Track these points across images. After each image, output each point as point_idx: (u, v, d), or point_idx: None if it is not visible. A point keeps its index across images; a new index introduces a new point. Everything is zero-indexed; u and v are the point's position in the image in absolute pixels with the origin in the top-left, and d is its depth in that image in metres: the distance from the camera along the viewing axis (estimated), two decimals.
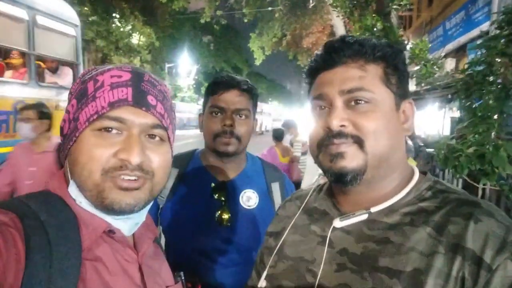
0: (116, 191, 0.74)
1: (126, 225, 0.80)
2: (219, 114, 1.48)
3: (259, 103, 1.66)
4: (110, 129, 0.75)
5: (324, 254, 0.82)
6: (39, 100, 4.59)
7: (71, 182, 0.77)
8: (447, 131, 8.85)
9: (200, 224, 1.46)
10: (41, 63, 5.62)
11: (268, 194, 1.57)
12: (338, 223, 0.83)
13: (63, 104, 5.30)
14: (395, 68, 0.83)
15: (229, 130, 1.46)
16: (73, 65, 6.08)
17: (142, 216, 0.84)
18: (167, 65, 30.54)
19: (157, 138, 0.80)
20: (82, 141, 0.75)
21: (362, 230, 0.80)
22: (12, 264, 0.61)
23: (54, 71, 5.80)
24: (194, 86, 34.67)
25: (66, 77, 5.82)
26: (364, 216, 0.81)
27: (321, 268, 0.81)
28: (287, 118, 8.68)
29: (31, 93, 4.95)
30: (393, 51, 0.83)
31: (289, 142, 6.44)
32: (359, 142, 0.78)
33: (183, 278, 0.95)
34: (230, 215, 1.47)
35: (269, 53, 21.40)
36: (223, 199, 1.48)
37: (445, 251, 0.70)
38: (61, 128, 0.82)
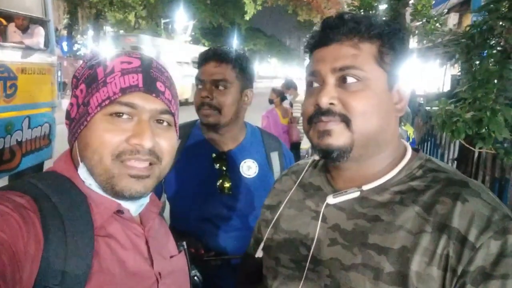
0: (127, 179, 0.77)
1: (133, 206, 0.84)
2: (200, 86, 1.53)
3: None
4: (121, 114, 0.77)
5: (317, 229, 0.85)
6: None
7: (81, 164, 0.80)
8: (447, 89, 8.80)
9: (203, 193, 1.52)
10: (3, 20, 5.01)
11: (268, 163, 1.62)
12: (331, 199, 0.86)
13: (31, 67, 4.70)
14: (391, 47, 0.82)
15: (206, 102, 1.49)
16: (41, 22, 5.24)
17: (147, 198, 0.88)
18: (162, 21, 29.71)
19: (165, 123, 0.83)
20: (93, 126, 0.77)
21: (354, 207, 0.83)
22: (32, 245, 0.65)
23: (22, 29, 5.11)
24: (191, 42, 33.92)
25: (36, 37, 5.12)
26: (356, 194, 0.83)
27: (314, 242, 0.85)
28: (287, 77, 8.57)
29: None
30: (390, 29, 0.82)
31: (288, 103, 6.43)
32: (346, 121, 0.79)
33: (185, 247, 1.00)
34: (231, 183, 1.53)
35: (265, 7, 20.68)
36: (224, 168, 1.54)
37: (432, 230, 0.72)
38: (68, 112, 0.83)
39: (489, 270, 0.67)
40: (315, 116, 0.82)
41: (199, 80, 1.53)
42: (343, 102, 0.79)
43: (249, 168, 1.57)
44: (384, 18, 0.87)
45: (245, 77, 1.56)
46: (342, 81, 0.80)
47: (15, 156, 4.47)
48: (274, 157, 1.64)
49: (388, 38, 0.82)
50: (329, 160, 0.84)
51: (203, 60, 1.53)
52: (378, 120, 0.80)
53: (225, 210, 1.53)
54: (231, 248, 1.51)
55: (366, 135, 0.80)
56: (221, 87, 1.50)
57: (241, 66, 1.54)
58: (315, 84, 0.85)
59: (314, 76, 0.85)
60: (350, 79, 0.79)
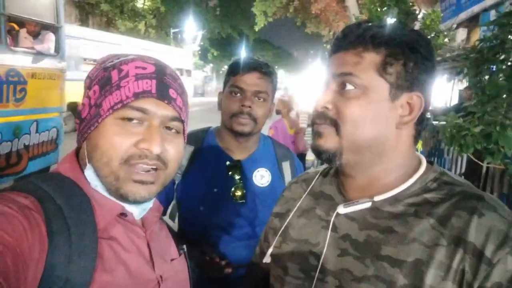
0: (132, 184, 0.77)
1: (137, 210, 0.85)
2: (238, 94, 1.52)
3: None
4: (131, 119, 0.78)
5: (328, 238, 0.84)
6: (9, 67, 4.17)
7: (88, 166, 0.80)
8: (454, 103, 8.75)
9: (216, 201, 1.52)
10: (15, 25, 5.03)
11: (280, 172, 1.63)
12: (342, 209, 0.85)
13: (41, 72, 4.76)
14: (398, 58, 0.79)
15: (246, 111, 1.49)
16: (53, 28, 5.32)
17: (151, 203, 0.88)
18: (172, 31, 30.02)
19: (173, 130, 0.83)
20: (104, 128, 0.77)
21: (366, 217, 0.82)
22: (37, 246, 0.65)
23: (33, 35, 5.18)
24: (200, 52, 34.20)
25: (46, 42, 5.20)
26: (368, 204, 0.82)
27: (324, 251, 0.84)
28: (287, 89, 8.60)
29: None
30: (399, 40, 0.79)
31: (295, 114, 6.42)
32: (335, 126, 0.81)
33: (186, 250, 0.99)
34: (243, 192, 1.54)
35: (273, 19, 20.78)
36: (237, 177, 1.54)
37: (447, 244, 0.71)
38: (79, 112, 0.84)
39: (506, 287, 0.65)
40: (313, 118, 0.86)
41: (237, 87, 1.52)
42: (336, 107, 0.81)
43: (262, 177, 1.59)
44: (402, 27, 0.85)
45: (275, 91, 1.62)
46: (341, 87, 0.82)
47: (22, 160, 4.50)
48: (286, 166, 1.66)
49: (397, 48, 0.79)
50: (324, 161, 0.86)
51: (244, 69, 1.53)
52: (371, 129, 0.80)
53: (238, 218, 1.52)
54: (243, 256, 1.49)
55: (354, 142, 0.80)
56: (261, 99, 1.52)
57: (275, 81, 1.59)
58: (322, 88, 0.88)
59: (323, 81, 0.87)
60: (348, 86, 0.80)
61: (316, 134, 0.85)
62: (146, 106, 0.78)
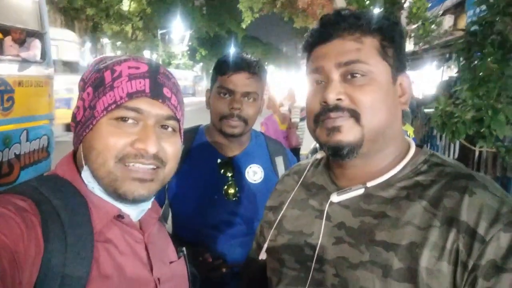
0: (130, 182, 0.77)
1: (134, 212, 0.84)
2: (227, 95, 1.48)
3: None
4: (126, 118, 0.78)
5: (322, 228, 0.84)
6: None
7: (85, 167, 0.80)
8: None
9: (208, 199, 1.51)
10: None
11: (273, 168, 1.61)
12: (335, 197, 0.85)
13: (28, 79, 4.68)
14: (391, 41, 0.82)
15: (236, 113, 1.46)
16: (38, 35, 5.16)
17: (149, 203, 0.87)
18: (159, 32, 29.86)
19: (169, 129, 0.83)
20: (98, 129, 0.77)
21: (359, 204, 0.82)
22: (32, 249, 0.65)
23: (18, 42, 5.07)
24: (189, 52, 34.08)
25: (32, 49, 5.06)
26: (361, 191, 0.82)
27: (319, 241, 0.84)
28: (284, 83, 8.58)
29: None
30: (390, 23, 0.83)
31: (287, 109, 6.42)
32: (355, 116, 0.78)
33: (185, 253, 0.99)
34: (236, 189, 1.52)
35: (261, 15, 20.69)
36: (229, 174, 1.53)
37: (440, 224, 0.72)
38: (74, 115, 0.84)
39: (500, 264, 0.66)
40: (322, 114, 0.81)
41: (226, 89, 1.48)
42: (350, 96, 0.79)
43: (254, 174, 1.57)
44: (380, 12, 0.88)
45: (264, 87, 1.58)
46: (347, 76, 0.80)
47: (14, 170, 4.43)
48: (279, 161, 1.64)
49: (389, 31, 0.82)
50: (338, 157, 0.82)
51: (232, 69, 1.47)
52: (386, 114, 0.80)
53: (231, 216, 1.51)
54: (237, 254, 1.48)
55: (375, 129, 0.79)
56: (251, 100, 1.49)
57: (264, 77, 1.55)
58: (318, 82, 0.84)
59: (317, 73, 0.84)
60: (355, 74, 0.79)
61: (334, 129, 0.79)
62: (140, 105, 0.78)
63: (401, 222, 0.75)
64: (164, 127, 0.82)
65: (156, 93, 0.79)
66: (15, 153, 4.43)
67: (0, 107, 4.19)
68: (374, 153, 0.83)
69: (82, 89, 0.83)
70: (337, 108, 0.79)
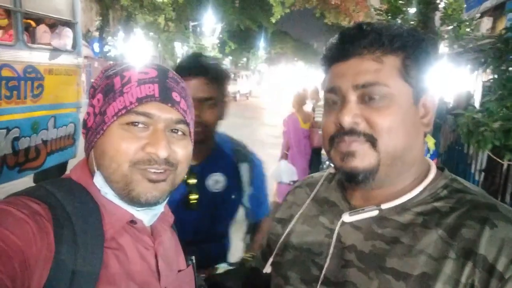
0: (144, 184, 0.78)
1: (147, 216, 0.85)
2: None
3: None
4: (137, 123, 0.78)
5: (331, 248, 0.81)
6: (27, 64, 4.25)
7: (97, 173, 0.80)
8: (478, 96, 8.49)
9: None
10: (32, 22, 5.01)
11: (236, 174, 1.60)
12: (347, 217, 0.81)
13: (58, 68, 4.84)
14: (415, 60, 0.76)
15: (195, 120, 1.44)
16: (69, 24, 5.31)
17: (161, 207, 0.88)
18: (191, 24, 30.08)
19: (179, 133, 0.84)
20: (110, 135, 0.78)
21: (371, 227, 0.78)
22: (44, 252, 0.67)
23: (50, 31, 5.16)
24: (219, 45, 34.19)
25: (63, 38, 5.17)
26: (375, 213, 0.79)
27: (327, 262, 0.81)
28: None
29: (17, 55, 4.24)
30: (415, 40, 0.77)
31: (311, 108, 6.35)
32: (371, 141, 0.74)
33: (194, 261, 0.99)
34: (198, 198, 1.51)
35: (292, 10, 20.54)
36: (191, 182, 1.51)
37: (456, 256, 0.67)
38: (85, 121, 0.85)
39: None
40: (337, 136, 0.77)
41: None
42: (367, 120, 0.75)
43: (216, 182, 1.56)
44: (406, 26, 0.81)
45: (225, 88, 1.54)
46: (364, 98, 0.75)
47: (40, 155, 4.60)
48: (244, 167, 1.61)
49: (413, 49, 0.76)
50: (353, 183, 0.78)
51: (187, 76, 1.36)
52: (404, 137, 0.75)
53: (193, 224, 1.50)
54: (200, 259, 1.49)
55: (393, 154, 0.75)
56: (208, 104, 1.45)
57: (222, 79, 1.51)
58: (334, 102, 0.80)
59: (334, 93, 0.80)
60: (373, 96, 0.74)
61: (349, 154, 0.75)
62: (150, 110, 0.78)
63: (415, 251, 0.71)
64: (174, 131, 0.82)
65: (165, 98, 0.80)
66: (42, 139, 4.59)
67: (30, 93, 4.34)
68: (392, 177, 0.79)
69: (92, 95, 0.85)
70: (352, 131, 0.75)
